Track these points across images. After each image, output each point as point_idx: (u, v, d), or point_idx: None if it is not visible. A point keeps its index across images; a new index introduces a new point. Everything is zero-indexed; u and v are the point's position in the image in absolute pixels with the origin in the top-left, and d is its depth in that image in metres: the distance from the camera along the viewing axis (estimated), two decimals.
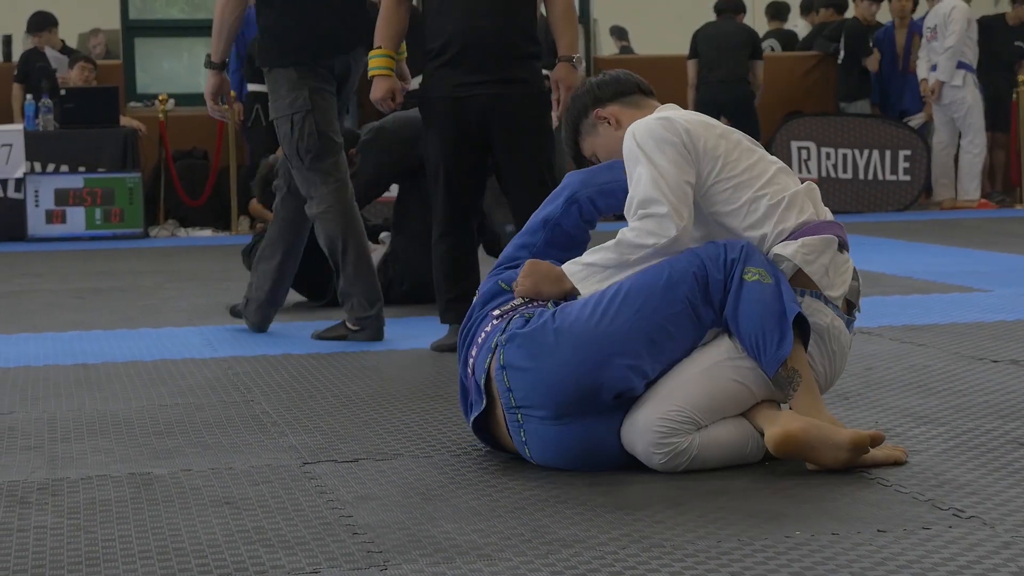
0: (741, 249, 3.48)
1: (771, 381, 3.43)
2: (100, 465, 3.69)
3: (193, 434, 4.06)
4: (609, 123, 3.84)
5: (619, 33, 15.88)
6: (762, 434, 3.41)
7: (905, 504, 3.11)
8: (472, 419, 3.57)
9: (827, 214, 3.67)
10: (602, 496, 3.24)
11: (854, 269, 3.66)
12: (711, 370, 3.44)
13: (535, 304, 3.58)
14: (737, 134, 3.69)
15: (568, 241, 3.81)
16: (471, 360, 3.59)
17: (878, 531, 2.90)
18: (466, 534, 2.96)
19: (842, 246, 3.60)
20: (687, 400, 3.40)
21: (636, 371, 3.41)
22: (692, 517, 3.04)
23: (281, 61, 5.75)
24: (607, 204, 3.81)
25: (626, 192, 3.68)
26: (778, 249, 3.54)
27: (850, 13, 13.61)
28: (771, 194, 3.58)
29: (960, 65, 12.38)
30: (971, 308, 6.24)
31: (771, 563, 2.70)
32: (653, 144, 3.57)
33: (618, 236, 3.57)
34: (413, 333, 5.94)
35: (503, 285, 3.70)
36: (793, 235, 3.55)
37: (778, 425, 3.37)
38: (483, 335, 3.57)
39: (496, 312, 3.62)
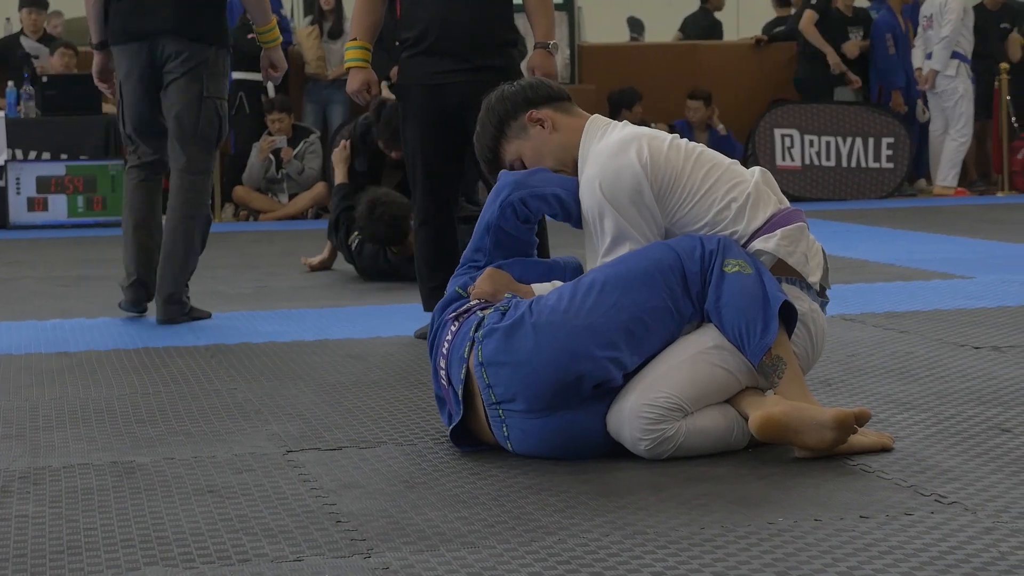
0: (718, 242, 3.49)
1: (756, 369, 3.44)
2: (82, 453, 3.68)
3: (176, 422, 4.05)
4: (543, 126, 3.76)
5: (635, 26, 15.91)
6: (746, 419, 3.42)
7: (887, 490, 3.12)
8: (451, 429, 3.57)
9: (784, 198, 3.70)
10: (585, 484, 3.24)
11: (822, 250, 3.68)
12: (696, 357, 3.44)
13: (491, 304, 3.58)
14: (682, 141, 3.68)
15: (513, 243, 3.76)
16: (442, 372, 3.58)
17: (860, 517, 2.91)
18: (449, 521, 2.96)
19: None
20: (673, 387, 3.41)
21: (615, 362, 3.41)
22: (675, 504, 3.05)
23: (108, 39, 6.09)
24: (538, 207, 3.72)
25: (557, 198, 3.68)
26: (759, 244, 3.56)
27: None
28: (736, 196, 3.59)
29: (954, 55, 12.40)
30: (953, 295, 6.25)
31: (753, 549, 2.70)
32: (624, 198, 3.55)
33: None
34: (396, 321, 5.94)
35: (459, 291, 3.70)
36: (765, 228, 3.57)
37: (761, 409, 3.38)
38: (446, 344, 3.57)
39: (452, 315, 3.62)
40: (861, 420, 3.39)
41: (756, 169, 3.70)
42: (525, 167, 3.78)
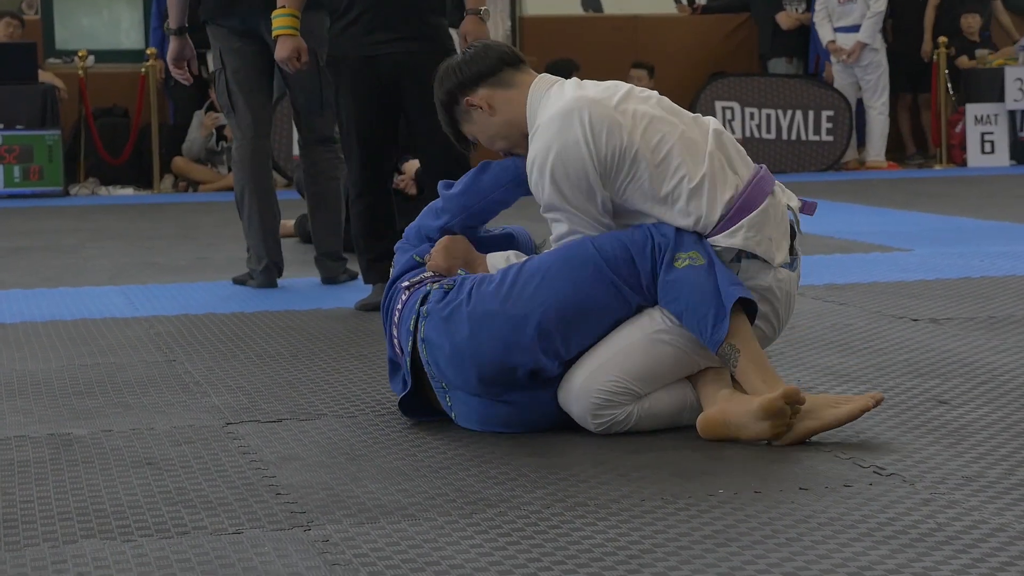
0: (668, 236, 3.39)
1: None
2: (19, 426, 3.64)
3: (114, 394, 4.02)
4: (482, 109, 3.62)
5: (591, 3, 15.84)
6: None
7: (827, 462, 3.13)
8: (400, 399, 3.56)
9: (742, 162, 3.51)
10: (527, 456, 3.24)
11: (789, 211, 3.51)
12: (648, 337, 3.38)
13: (443, 278, 3.56)
14: (632, 102, 3.51)
15: None
16: (395, 340, 3.57)
17: (800, 489, 2.92)
18: (390, 494, 2.95)
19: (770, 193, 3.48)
20: (625, 370, 3.37)
21: (549, 353, 3.38)
22: (616, 476, 3.05)
23: (203, 16, 6.11)
24: (483, 220, 3.71)
25: (499, 203, 3.66)
26: (723, 242, 3.40)
27: None
28: (688, 173, 3.43)
29: None
30: (892, 267, 6.30)
31: (694, 521, 2.71)
32: (567, 182, 3.42)
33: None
34: (337, 292, 5.92)
35: (417, 259, 3.67)
36: (728, 219, 3.41)
37: (704, 411, 3.36)
38: (398, 313, 3.56)
39: (405, 284, 3.60)
40: (790, 399, 3.24)
41: (711, 132, 3.50)
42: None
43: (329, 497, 2.93)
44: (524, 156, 3.59)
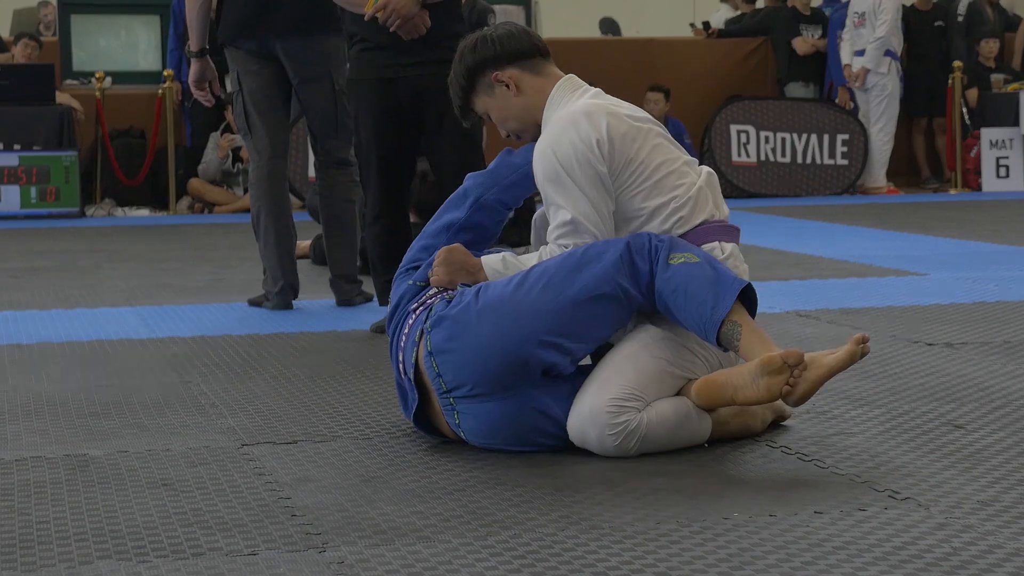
0: (664, 239, 3.46)
1: (718, 346, 3.41)
2: (35, 446, 3.66)
3: (130, 415, 4.03)
4: (508, 87, 3.71)
5: (610, 27, 15.91)
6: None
7: (841, 486, 3.13)
8: (411, 415, 3.57)
9: (724, 205, 3.67)
10: (541, 478, 3.25)
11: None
12: (638, 352, 3.44)
13: (449, 292, 3.59)
14: (647, 121, 3.64)
15: (477, 237, 3.78)
16: (401, 363, 3.58)
17: (815, 512, 2.92)
18: (405, 516, 2.95)
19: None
20: (628, 379, 3.40)
21: (560, 348, 3.41)
22: (630, 499, 3.05)
23: (220, 39, 6.15)
24: (515, 196, 3.80)
25: (529, 177, 3.71)
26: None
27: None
28: (680, 195, 3.56)
29: (886, 53, 12.52)
30: (907, 291, 6.29)
31: (708, 544, 2.71)
32: (577, 168, 3.50)
33: (540, 251, 3.60)
34: (353, 314, 5.93)
35: (419, 284, 3.68)
36: (694, 233, 3.54)
37: (698, 380, 3.41)
38: (405, 336, 3.58)
39: (413, 306, 3.62)
40: (790, 360, 3.25)
41: (704, 171, 3.67)
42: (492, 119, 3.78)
43: (344, 519, 2.94)
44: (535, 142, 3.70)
